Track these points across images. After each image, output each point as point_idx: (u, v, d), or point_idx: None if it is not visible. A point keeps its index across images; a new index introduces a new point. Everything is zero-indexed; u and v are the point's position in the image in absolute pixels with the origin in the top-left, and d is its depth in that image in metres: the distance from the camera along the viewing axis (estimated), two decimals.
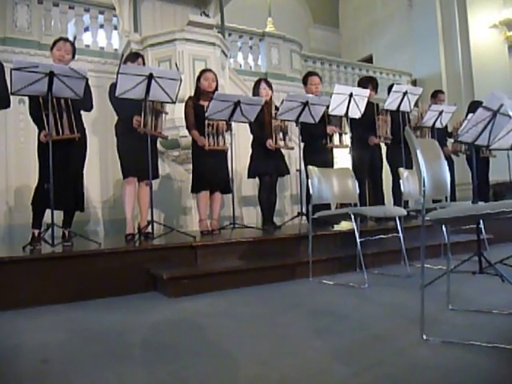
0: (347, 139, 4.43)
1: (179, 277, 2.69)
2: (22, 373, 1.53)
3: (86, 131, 3.46)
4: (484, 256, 2.01)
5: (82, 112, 3.39)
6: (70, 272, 2.64)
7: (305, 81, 4.54)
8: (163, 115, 3.51)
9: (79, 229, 4.16)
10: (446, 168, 2.02)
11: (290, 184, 5.84)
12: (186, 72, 4.78)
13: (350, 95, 4.14)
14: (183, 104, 3.92)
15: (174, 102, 3.38)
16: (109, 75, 5.04)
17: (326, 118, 4.24)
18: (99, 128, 5.05)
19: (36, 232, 3.24)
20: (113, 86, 3.34)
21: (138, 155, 3.42)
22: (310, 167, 3.28)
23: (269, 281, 2.91)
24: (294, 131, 4.45)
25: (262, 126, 4.07)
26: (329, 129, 4.28)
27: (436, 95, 5.43)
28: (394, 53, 9.61)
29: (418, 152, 1.79)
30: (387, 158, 4.97)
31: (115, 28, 5.98)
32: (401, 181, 3.57)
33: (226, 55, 5.67)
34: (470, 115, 2.71)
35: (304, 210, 4.17)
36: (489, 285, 2.38)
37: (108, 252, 2.85)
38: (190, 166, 4.05)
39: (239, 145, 4.89)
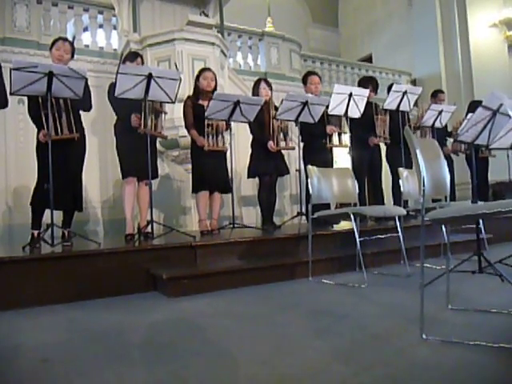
0: (347, 139, 4.43)
1: (179, 277, 2.69)
2: (22, 372, 1.53)
3: (86, 131, 3.46)
4: (483, 256, 2.01)
5: (81, 112, 3.39)
6: (70, 272, 2.64)
7: (304, 80, 4.54)
8: (163, 115, 3.51)
9: (79, 229, 4.16)
10: (446, 168, 2.02)
11: (290, 184, 5.84)
12: (185, 72, 4.78)
13: (350, 95, 4.14)
14: (182, 104, 3.92)
15: (173, 102, 3.38)
16: (108, 75, 5.04)
17: (326, 118, 4.24)
18: (98, 128, 5.04)
19: (35, 232, 3.24)
20: (112, 86, 3.34)
21: (137, 155, 3.42)
22: (309, 167, 3.28)
23: (268, 281, 2.91)
24: (294, 131, 4.45)
25: (261, 126, 4.07)
26: (328, 128, 4.28)
27: (436, 95, 5.43)
28: (393, 52, 9.61)
29: (418, 152, 1.78)
30: (387, 158, 4.97)
31: (114, 28, 5.97)
32: (400, 180, 3.57)
33: (226, 55, 5.67)
34: (470, 115, 2.71)
35: (304, 210, 4.17)
36: (488, 284, 2.38)
37: (108, 252, 2.85)
38: (190, 166, 4.05)
39: (239, 145, 4.89)
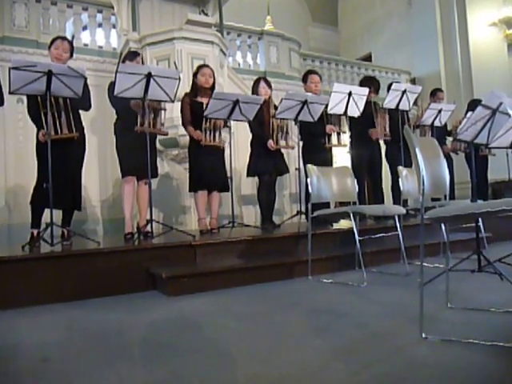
0: (346, 139, 4.43)
1: (178, 275, 2.69)
2: (22, 372, 1.53)
3: (85, 130, 3.45)
4: (483, 254, 2.01)
5: (80, 111, 3.38)
6: (69, 271, 2.64)
7: (304, 79, 4.54)
8: (162, 112, 3.50)
9: (78, 228, 4.16)
10: (445, 166, 2.02)
11: (290, 183, 5.84)
12: (184, 71, 4.77)
13: (349, 94, 4.13)
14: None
15: (172, 101, 3.37)
16: (107, 74, 5.02)
17: (325, 117, 4.24)
18: (98, 127, 5.04)
19: (35, 232, 3.24)
20: (111, 85, 3.34)
21: (136, 154, 3.42)
22: (309, 166, 3.28)
23: (268, 279, 2.91)
24: (293, 130, 4.45)
25: (261, 125, 4.06)
26: (327, 128, 4.28)
27: (435, 93, 5.43)
28: (393, 51, 9.61)
29: (417, 150, 1.78)
30: (386, 157, 4.97)
31: (114, 27, 5.96)
32: (400, 179, 3.57)
33: (225, 54, 5.66)
34: (470, 113, 2.71)
35: (303, 209, 4.17)
36: (488, 283, 2.38)
37: (107, 251, 2.85)
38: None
39: (238, 143, 4.88)
